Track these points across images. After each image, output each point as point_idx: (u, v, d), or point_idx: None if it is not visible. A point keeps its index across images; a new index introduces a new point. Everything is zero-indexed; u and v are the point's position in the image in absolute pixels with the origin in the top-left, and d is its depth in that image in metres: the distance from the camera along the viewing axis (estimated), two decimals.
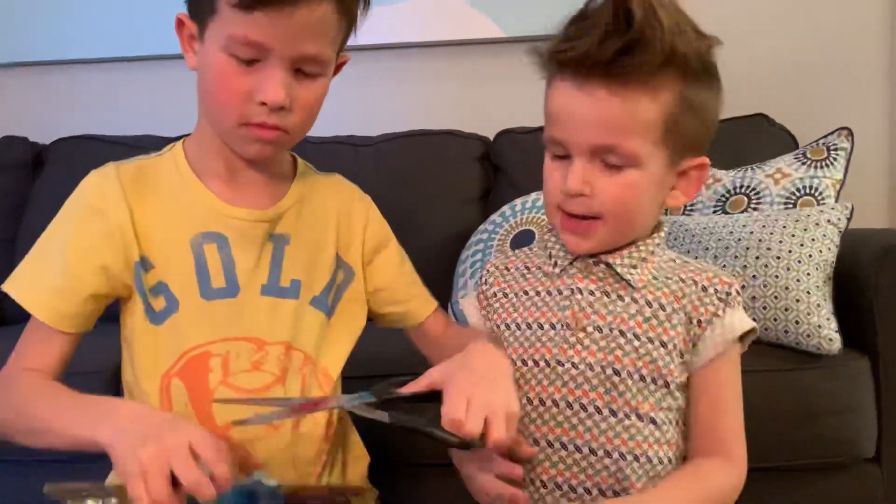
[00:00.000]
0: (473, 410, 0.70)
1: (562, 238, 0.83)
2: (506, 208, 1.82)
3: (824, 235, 1.40)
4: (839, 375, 1.33)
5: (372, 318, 1.03)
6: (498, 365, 0.79)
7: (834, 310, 1.36)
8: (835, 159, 1.61)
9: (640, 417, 0.78)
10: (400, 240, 1.05)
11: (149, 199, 0.89)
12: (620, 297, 0.81)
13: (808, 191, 1.57)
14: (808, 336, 1.32)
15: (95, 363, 1.47)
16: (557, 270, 0.84)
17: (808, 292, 1.34)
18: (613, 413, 0.78)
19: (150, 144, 2.08)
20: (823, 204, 1.54)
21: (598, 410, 0.79)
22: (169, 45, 2.19)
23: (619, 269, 0.81)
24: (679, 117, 0.76)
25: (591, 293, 0.82)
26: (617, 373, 0.79)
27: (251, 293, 0.89)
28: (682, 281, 0.81)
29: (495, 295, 0.91)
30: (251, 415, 0.77)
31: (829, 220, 1.42)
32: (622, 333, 0.80)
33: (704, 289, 0.80)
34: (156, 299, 0.88)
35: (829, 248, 1.40)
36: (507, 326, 0.87)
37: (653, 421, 0.78)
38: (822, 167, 1.60)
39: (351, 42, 2.44)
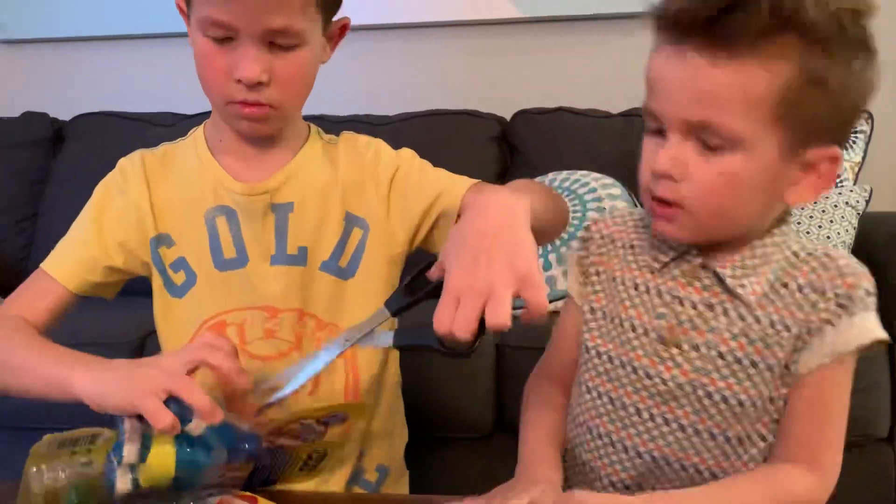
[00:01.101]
0: (464, 310, 0.58)
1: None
2: None
3: (842, 217, 1.41)
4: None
5: (433, 247, 0.95)
6: (501, 219, 0.64)
7: None
8: (854, 142, 1.61)
9: (727, 440, 0.71)
10: None
11: (169, 179, 0.93)
12: (725, 312, 0.70)
13: None
14: None
15: (117, 335, 1.51)
16: (659, 266, 0.74)
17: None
18: (697, 433, 0.71)
19: (167, 121, 2.13)
20: (842, 186, 1.54)
21: (682, 428, 0.72)
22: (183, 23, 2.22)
23: (728, 281, 0.70)
24: (801, 94, 0.63)
25: (693, 305, 0.72)
26: (709, 395, 0.70)
27: (260, 263, 0.91)
28: (800, 289, 0.68)
29: (597, 273, 0.80)
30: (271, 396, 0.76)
31: (847, 203, 1.43)
32: (721, 356, 0.70)
33: (823, 291, 0.67)
34: (177, 274, 0.92)
35: (847, 230, 1.40)
36: (602, 314, 0.79)
37: (741, 441, 0.71)
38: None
39: (369, 21, 2.43)
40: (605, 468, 0.76)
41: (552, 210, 0.78)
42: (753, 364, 0.69)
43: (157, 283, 0.93)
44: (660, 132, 0.69)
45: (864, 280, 0.67)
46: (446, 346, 0.61)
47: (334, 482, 0.92)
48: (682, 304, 0.72)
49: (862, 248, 1.42)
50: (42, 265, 0.91)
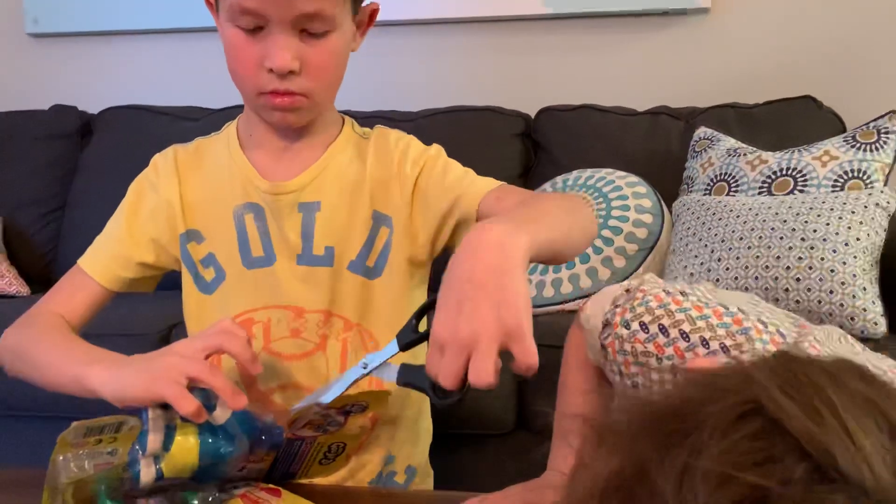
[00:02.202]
0: (447, 362, 0.55)
1: None
2: (546, 185, 1.82)
3: (872, 219, 1.39)
4: None
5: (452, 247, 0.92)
6: (492, 263, 0.57)
7: (881, 293, 1.35)
8: (885, 142, 1.58)
9: None
10: None
11: (200, 175, 0.93)
12: None
13: (855, 174, 1.55)
14: (853, 319, 1.32)
15: (145, 326, 1.52)
16: None
17: (854, 275, 1.33)
18: None
19: (194, 115, 2.15)
20: (872, 188, 1.52)
21: None
22: (210, 18, 2.23)
23: None
24: None
25: None
26: None
27: (287, 263, 0.90)
28: None
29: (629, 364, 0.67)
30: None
31: (877, 204, 1.41)
32: None
33: None
34: (206, 270, 0.92)
35: (877, 232, 1.38)
36: None
37: None
38: (871, 150, 1.58)
39: (396, 17, 2.42)
40: None
41: (570, 230, 0.74)
42: None
43: (186, 278, 0.93)
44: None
45: None
46: (436, 391, 0.58)
47: (360, 481, 0.92)
48: None
49: (893, 250, 1.40)
50: (79, 261, 0.92)
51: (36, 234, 2.13)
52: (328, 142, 0.92)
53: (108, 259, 0.91)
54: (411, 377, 0.65)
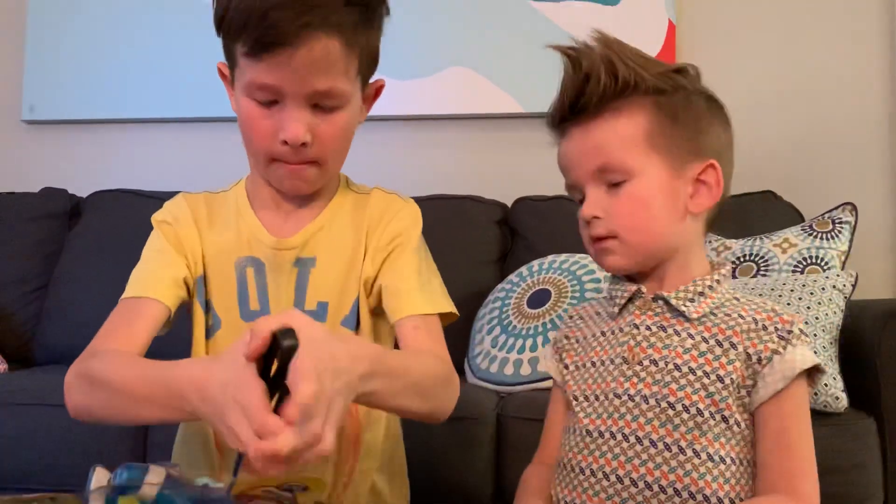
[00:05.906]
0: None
1: (596, 262, 0.87)
2: (523, 269, 1.89)
3: (830, 300, 1.46)
4: (846, 434, 1.37)
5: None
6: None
7: (840, 370, 1.41)
8: (839, 232, 1.68)
9: (696, 453, 0.77)
10: None
11: (210, 224, 0.98)
12: (676, 332, 0.81)
13: (814, 260, 1.64)
14: (816, 394, 1.37)
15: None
16: (617, 310, 0.86)
17: (816, 352, 1.39)
18: (668, 447, 0.78)
19: None
20: (829, 271, 1.60)
21: (653, 444, 0.78)
22: (199, 109, 2.37)
23: (673, 302, 0.82)
24: (662, 128, 0.82)
25: (648, 328, 0.83)
26: (672, 406, 0.79)
27: None
28: (742, 317, 0.80)
29: (567, 338, 0.93)
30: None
31: (834, 286, 1.49)
32: (677, 367, 0.80)
33: (764, 327, 0.79)
34: (208, 315, 0.96)
35: (835, 312, 1.46)
36: (574, 367, 0.89)
37: (710, 457, 0.77)
38: (827, 238, 1.67)
39: (388, 113, 2.51)
40: (586, 501, 0.80)
41: (405, 389, 0.80)
42: (706, 374, 0.79)
43: (198, 318, 0.95)
44: (582, 200, 0.86)
45: (796, 317, 0.81)
46: None
47: None
48: (638, 328, 0.84)
49: (850, 332, 1.47)
50: (122, 298, 0.91)
51: (18, 311, 2.14)
52: (328, 199, 0.98)
53: (156, 280, 0.92)
54: None
